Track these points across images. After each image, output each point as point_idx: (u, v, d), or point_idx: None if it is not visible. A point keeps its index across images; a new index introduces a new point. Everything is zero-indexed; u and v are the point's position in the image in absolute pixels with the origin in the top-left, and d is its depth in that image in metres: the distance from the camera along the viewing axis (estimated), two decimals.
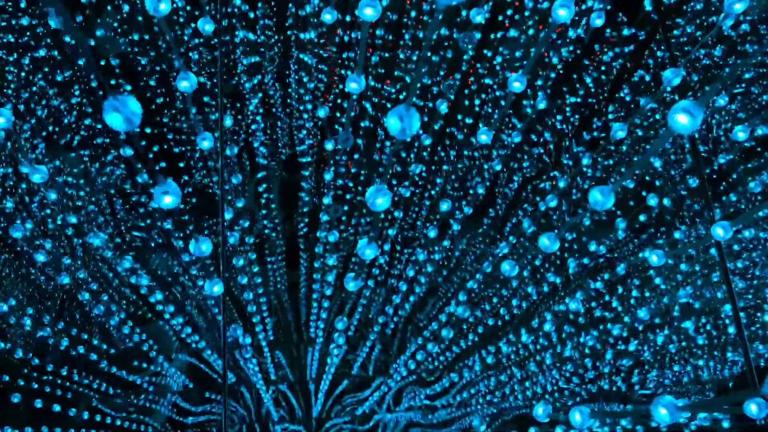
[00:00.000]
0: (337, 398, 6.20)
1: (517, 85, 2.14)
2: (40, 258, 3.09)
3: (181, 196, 1.75)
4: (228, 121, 2.98)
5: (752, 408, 1.69)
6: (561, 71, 5.72)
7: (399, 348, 6.49)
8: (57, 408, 4.19)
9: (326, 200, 3.87)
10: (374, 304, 6.31)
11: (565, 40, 5.01)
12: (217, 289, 2.53)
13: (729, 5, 1.78)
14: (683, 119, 1.23)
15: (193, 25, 5.16)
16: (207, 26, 2.61)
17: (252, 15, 5.69)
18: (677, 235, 3.68)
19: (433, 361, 5.77)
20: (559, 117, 6.07)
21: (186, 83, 2.31)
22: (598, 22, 2.60)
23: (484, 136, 2.41)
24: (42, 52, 5.11)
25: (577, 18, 4.72)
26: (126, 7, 5.60)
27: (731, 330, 4.87)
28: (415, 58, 5.14)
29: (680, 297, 3.58)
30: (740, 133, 2.42)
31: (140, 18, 5.52)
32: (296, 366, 6.23)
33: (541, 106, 3.12)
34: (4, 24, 5.18)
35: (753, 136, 3.80)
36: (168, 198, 1.70)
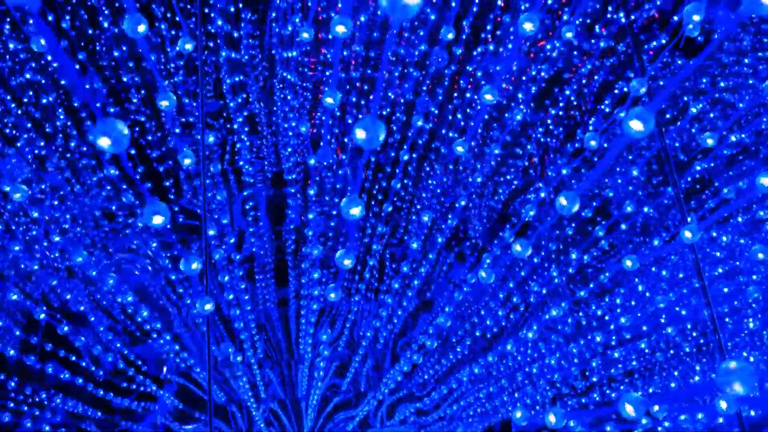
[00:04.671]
0: (329, 415, 6.17)
1: (488, 97, 2.20)
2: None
3: (170, 215, 1.78)
4: (210, 138, 3.02)
5: (722, 405, 1.73)
6: (543, 84, 5.81)
7: (391, 362, 6.47)
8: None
9: (310, 216, 3.91)
10: (364, 320, 6.32)
11: (545, 55, 5.10)
12: (209, 306, 2.56)
13: (687, 15, 1.86)
14: (636, 125, 1.29)
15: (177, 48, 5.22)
16: (187, 45, 2.67)
17: (236, 35, 5.76)
18: (657, 242, 3.74)
19: (423, 375, 5.77)
20: (541, 129, 6.16)
21: (166, 102, 2.35)
22: (568, 35, 2.68)
23: (460, 147, 2.46)
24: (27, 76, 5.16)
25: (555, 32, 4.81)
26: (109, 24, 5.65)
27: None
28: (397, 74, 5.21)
29: (658, 303, 3.63)
30: (709, 140, 2.49)
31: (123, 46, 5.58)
32: (287, 383, 6.20)
33: (518, 117, 3.19)
34: None
35: (728, 143, 3.88)
36: (158, 218, 1.74)
